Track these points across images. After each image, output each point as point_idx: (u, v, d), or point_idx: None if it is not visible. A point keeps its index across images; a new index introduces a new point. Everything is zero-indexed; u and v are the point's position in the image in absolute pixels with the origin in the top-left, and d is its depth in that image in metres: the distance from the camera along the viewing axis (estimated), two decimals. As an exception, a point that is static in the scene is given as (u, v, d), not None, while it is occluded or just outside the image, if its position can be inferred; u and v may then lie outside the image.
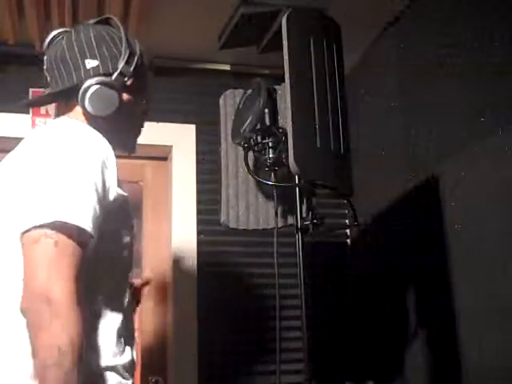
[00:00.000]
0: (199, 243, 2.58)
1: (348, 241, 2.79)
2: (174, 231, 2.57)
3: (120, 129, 1.42)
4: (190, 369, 2.45)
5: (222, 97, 2.70)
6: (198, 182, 2.65)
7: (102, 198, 1.21)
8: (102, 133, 1.32)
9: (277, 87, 2.14)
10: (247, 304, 2.57)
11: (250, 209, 2.62)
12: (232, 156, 2.65)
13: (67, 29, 1.51)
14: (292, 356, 2.27)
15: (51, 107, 2.61)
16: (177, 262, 2.53)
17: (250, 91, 2.07)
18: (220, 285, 2.56)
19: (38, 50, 2.52)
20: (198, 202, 2.64)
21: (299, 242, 1.80)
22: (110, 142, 1.31)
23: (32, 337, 1.09)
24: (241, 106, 2.14)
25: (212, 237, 2.61)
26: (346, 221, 2.79)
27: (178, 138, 2.65)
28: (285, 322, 2.30)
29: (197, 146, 2.69)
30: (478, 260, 1.90)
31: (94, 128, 1.34)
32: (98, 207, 1.18)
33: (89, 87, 1.35)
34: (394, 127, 2.43)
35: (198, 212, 2.62)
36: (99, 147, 1.26)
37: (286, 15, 1.68)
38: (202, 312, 2.50)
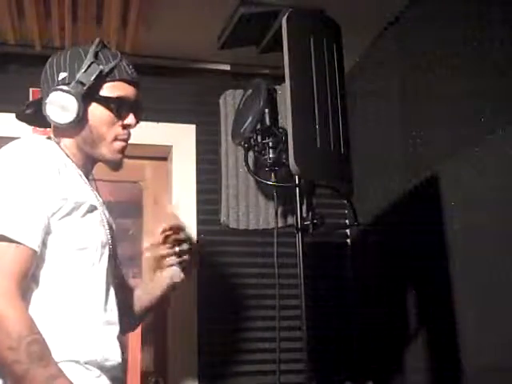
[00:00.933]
0: (199, 243, 2.58)
1: (348, 241, 2.79)
2: (174, 231, 2.57)
3: (92, 142, 1.47)
4: (190, 369, 2.44)
5: (222, 97, 2.71)
6: (198, 182, 2.65)
7: (56, 209, 1.30)
8: (72, 148, 1.45)
9: (277, 87, 2.14)
10: (247, 304, 2.57)
11: (249, 209, 2.63)
12: (232, 156, 2.65)
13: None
14: (292, 356, 2.27)
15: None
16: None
17: (249, 91, 2.07)
18: (220, 285, 2.55)
19: (38, 49, 2.52)
20: (198, 202, 2.64)
21: (299, 241, 1.80)
22: (86, 157, 1.46)
23: None
24: (241, 106, 2.14)
25: (212, 237, 2.61)
26: (346, 221, 2.79)
27: (178, 138, 2.65)
28: (285, 321, 2.31)
29: (197, 145, 2.69)
30: (478, 260, 1.90)
31: (65, 143, 1.46)
32: (45, 220, 1.28)
33: (49, 93, 1.44)
34: (393, 127, 2.43)
35: (198, 212, 2.62)
36: (52, 159, 1.34)
37: (286, 15, 1.68)
38: (202, 312, 2.50)
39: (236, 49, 2.53)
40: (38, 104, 1.50)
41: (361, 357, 2.58)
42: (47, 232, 1.30)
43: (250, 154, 2.18)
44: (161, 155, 2.72)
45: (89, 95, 1.43)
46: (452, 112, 2.05)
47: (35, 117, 1.56)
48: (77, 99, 1.41)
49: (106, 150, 1.48)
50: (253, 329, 2.54)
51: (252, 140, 2.00)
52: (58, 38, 2.44)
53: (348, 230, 2.80)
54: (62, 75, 1.45)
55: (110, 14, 2.25)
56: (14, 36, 2.43)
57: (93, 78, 1.43)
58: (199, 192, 2.65)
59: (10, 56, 2.55)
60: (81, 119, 1.43)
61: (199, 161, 2.68)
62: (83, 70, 1.43)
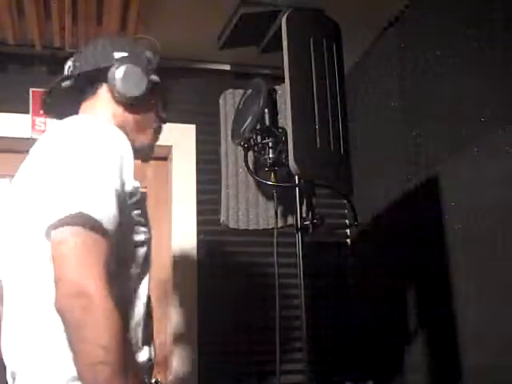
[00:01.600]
0: (199, 243, 2.58)
1: (348, 241, 2.79)
2: (174, 231, 2.57)
3: (140, 128, 1.43)
4: (190, 369, 2.45)
5: (222, 97, 2.71)
6: (198, 182, 2.65)
7: (121, 194, 1.20)
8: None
9: (277, 87, 2.14)
10: (247, 304, 2.57)
11: (249, 209, 2.63)
12: (232, 156, 2.66)
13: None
14: (292, 356, 2.27)
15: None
16: (177, 262, 2.52)
17: (249, 91, 2.07)
18: (220, 285, 2.55)
19: (38, 49, 2.52)
20: (198, 202, 2.64)
21: (299, 242, 1.80)
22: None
23: (71, 336, 1.05)
24: (241, 106, 2.14)
25: (212, 237, 2.61)
26: (346, 221, 2.79)
27: (177, 138, 2.65)
28: (285, 321, 2.30)
29: (197, 145, 2.69)
30: (478, 260, 1.90)
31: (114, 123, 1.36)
32: (115, 204, 1.16)
33: (120, 65, 1.38)
34: (394, 127, 2.43)
35: (198, 212, 2.62)
36: (117, 143, 1.25)
37: (285, 15, 1.68)
38: (202, 312, 2.50)
39: (236, 49, 2.54)
40: (77, 80, 1.43)
41: (361, 357, 2.58)
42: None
43: (250, 154, 2.18)
44: (161, 155, 2.72)
45: (150, 77, 1.42)
46: (452, 112, 2.05)
47: (64, 99, 1.49)
48: (146, 76, 1.40)
49: (150, 138, 1.47)
50: (253, 329, 2.54)
51: (252, 140, 2.00)
52: (58, 38, 2.44)
53: (348, 230, 2.80)
54: (122, 54, 1.41)
55: (110, 14, 2.25)
56: (13, 36, 2.43)
57: (156, 62, 1.44)
58: (199, 192, 2.65)
59: (10, 56, 2.55)
60: (144, 97, 1.40)
61: (199, 161, 2.68)
62: (150, 52, 1.44)
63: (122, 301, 1.17)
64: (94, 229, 1.10)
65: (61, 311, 1.06)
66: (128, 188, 1.23)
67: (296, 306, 1.80)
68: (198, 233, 2.58)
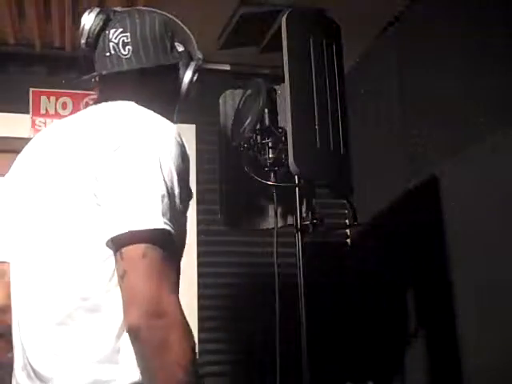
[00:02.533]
0: (199, 243, 2.58)
1: (348, 241, 2.79)
2: (174, 231, 2.57)
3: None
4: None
5: (222, 97, 2.70)
6: (197, 182, 2.65)
7: (182, 195, 1.11)
8: None
9: (277, 87, 2.14)
10: (247, 304, 2.57)
11: (249, 209, 2.63)
12: (232, 156, 2.65)
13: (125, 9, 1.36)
14: (292, 356, 2.26)
15: (50, 105, 2.62)
16: (177, 262, 2.52)
17: (249, 91, 2.07)
18: (220, 285, 2.55)
19: (38, 49, 2.52)
20: (198, 202, 2.63)
21: (299, 242, 1.80)
22: None
23: (148, 357, 1.00)
24: (240, 106, 2.14)
25: (212, 237, 2.61)
26: (346, 221, 2.79)
27: (177, 138, 2.65)
28: (285, 321, 2.30)
29: (197, 145, 2.69)
30: (477, 260, 1.90)
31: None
32: (180, 210, 1.10)
33: (193, 72, 1.34)
34: (393, 127, 2.42)
35: (198, 212, 2.62)
36: (176, 137, 1.14)
37: (285, 15, 1.68)
38: (201, 312, 2.50)
39: (236, 49, 2.54)
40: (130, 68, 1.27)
41: (361, 357, 2.58)
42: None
43: (250, 154, 2.17)
44: (161, 155, 2.72)
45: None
46: (452, 112, 2.05)
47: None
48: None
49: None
50: (252, 329, 2.54)
51: (252, 140, 1.99)
52: (58, 38, 2.44)
53: (348, 230, 2.80)
54: (180, 48, 1.35)
55: (109, 14, 2.25)
56: (14, 36, 2.43)
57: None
58: (199, 192, 2.65)
59: (10, 56, 2.55)
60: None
61: (199, 161, 2.68)
62: (199, 52, 1.39)
63: None
64: (169, 245, 1.05)
65: (138, 331, 0.99)
66: (186, 194, 1.15)
67: (296, 305, 1.80)
68: (198, 233, 2.58)
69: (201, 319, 2.50)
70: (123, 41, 1.26)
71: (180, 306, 1.02)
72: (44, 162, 1.21)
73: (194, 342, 1.03)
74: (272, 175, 1.99)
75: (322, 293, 2.57)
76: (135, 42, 1.27)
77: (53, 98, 2.60)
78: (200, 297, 2.52)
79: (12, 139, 2.53)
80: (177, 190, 1.08)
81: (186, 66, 1.34)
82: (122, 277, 1.02)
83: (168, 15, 1.38)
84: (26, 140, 2.64)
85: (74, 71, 2.55)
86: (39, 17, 2.28)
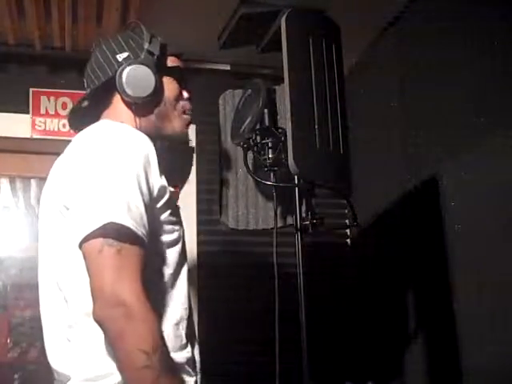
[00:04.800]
0: (199, 243, 2.58)
1: (348, 241, 2.79)
2: (174, 231, 2.57)
3: (166, 117, 1.42)
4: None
5: (222, 97, 2.71)
6: (198, 182, 2.65)
7: (148, 198, 1.20)
8: (145, 130, 1.33)
9: (276, 87, 2.14)
10: (247, 304, 2.57)
11: (249, 209, 2.63)
12: (232, 156, 2.66)
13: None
14: (292, 356, 2.26)
15: (50, 105, 2.62)
16: (177, 262, 2.52)
17: (249, 91, 2.07)
18: (220, 285, 2.55)
19: (38, 49, 2.52)
20: (198, 202, 2.64)
21: (299, 242, 1.80)
22: (154, 140, 1.31)
23: (114, 345, 1.09)
24: (240, 107, 2.14)
25: (212, 237, 2.61)
26: (346, 221, 2.79)
27: (178, 138, 2.65)
28: (284, 321, 2.30)
29: (197, 145, 2.69)
30: (477, 260, 1.90)
31: (140, 126, 1.36)
32: (143, 208, 1.17)
33: (123, 70, 1.37)
34: (393, 127, 2.42)
35: (198, 212, 2.62)
36: (140, 144, 1.24)
37: (285, 15, 1.68)
38: (201, 312, 2.50)
39: (236, 49, 2.54)
40: (93, 96, 1.43)
41: (361, 357, 2.58)
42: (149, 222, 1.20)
43: (250, 154, 2.18)
44: (161, 155, 2.72)
45: (158, 66, 1.40)
46: (452, 112, 2.05)
47: (84, 115, 1.45)
48: (152, 70, 1.38)
49: (178, 124, 1.45)
50: (252, 329, 2.54)
51: (251, 140, 2.00)
52: (58, 38, 2.44)
53: (348, 230, 2.80)
54: (123, 55, 1.40)
55: (109, 14, 2.25)
56: (14, 36, 2.43)
57: (158, 48, 1.41)
58: (199, 192, 2.65)
59: (10, 56, 2.55)
60: (157, 91, 1.38)
61: (199, 161, 2.68)
62: (148, 43, 1.40)
63: (157, 303, 1.20)
64: (126, 237, 1.12)
65: (101, 321, 1.09)
66: (156, 188, 1.23)
67: (296, 306, 1.80)
68: (198, 233, 2.58)
69: (201, 319, 2.50)
70: (85, 78, 1.46)
71: (140, 294, 1.09)
72: (48, 186, 1.34)
73: (156, 327, 1.10)
74: (272, 175, 1.99)
75: (321, 293, 2.57)
76: (87, 75, 1.45)
77: (53, 98, 2.60)
78: (200, 297, 2.52)
79: (12, 139, 2.53)
80: (135, 195, 1.17)
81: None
82: (88, 274, 1.12)
83: (118, 34, 1.49)
84: (26, 140, 2.66)
85: (74, 71, 2.56)
86: (39, 17, 2.28)
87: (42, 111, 2.58)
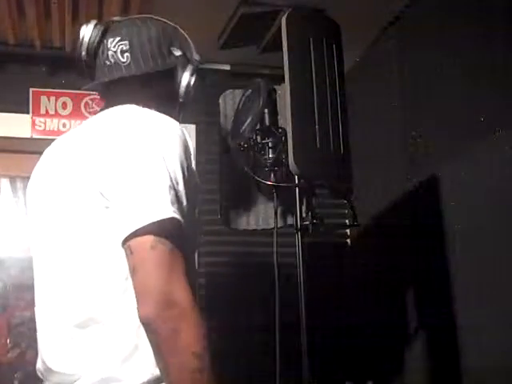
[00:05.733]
0: (199, 243, 2.58)
1: (348, 241, 2.79)
2: (174, 231, 2.57)
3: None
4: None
5: (222, 97, 2.70)
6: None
7: (188, 187, 1.14)
8: None
9: (277, 87, 2.14)
10: (247, 304, 2.57)
11: (249, 209, 2.63)
12: (232, 156, 2.65)
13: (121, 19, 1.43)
14: (292, 356, 2.26)
15: (50, 105, 2.62)
16: (177, 262, 2.52)
17: (249, 91, 2.06)
18: (220, 285, 2.55)
19: (38, 49, 2.52)
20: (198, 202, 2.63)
21: (299, 242, 1.80)
22: None
23: (163, 347, 1.03)
24: (240, 107, 2.13)
25: (212, 237, 2.61)
26: (346, 221, 2.79)
27: (178, 138, 2.65)
28: (285, 321, 2.30)
29: (197, 145, 2.69)
30: (477, 260, 1.90)
31: None
32: (186, 203, 1.12)
33: (192, 74, 1.36)
34: (393, 127, 2.42)
35: (198, 212, 2.62)
36: (178, 132, 1.17)
37: (285, 15, 1.68)
38: (201, 312, 2.50)
39: (236, 49, 2.54)
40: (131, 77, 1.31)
41: (361, 357, 2.58)
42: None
43: (250, 154, 2.17)
44: (161, 155, 2.72)
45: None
46: (452, 112, 2.05)
47: (109, 89, 1.34)
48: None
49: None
50: (252, 329, 2.54)
51: (252, 140, 1.99)
52: (58, 38, 2.44)
53: (348, 230, 2.80)
54: (178, 52, 1.37)
55: (109, 13, 2.25)
56: (14, 36, 2.43)
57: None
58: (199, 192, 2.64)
59: (10, 56, 2.55)
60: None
61: (199, 161, 2.68)
62: (194, 53, 1.40)
63: None
64: (178, 234, 1.07)
65: (150, 321, 1.03)
66: (194, 176, 1.20)
67: (296, 306, 1.80)
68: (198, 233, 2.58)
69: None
70: (122, 49, 1.32)
71: (190, 294, 1.05)
72: (57, 175, 1.24)
73: (204, 329, 1.07)
74: (272, 175, 1.99)
75: (321, 293, 2.57)
76: (133, 49, 1.32)
77: (53, 98, 2.61)
78: (200, 297, 2.51)
79: (12, 139, 2.53)
80: (181, 184, 1.11)
81: (184, 69, 1.37)
82: (132, 271, 1.05)
83: (167, 22, 1.44)
84: (26, 140, 2.66)
85: (74, 71, 2.56)
86: (39, 17, 2.28)
87: (42, 111, 2.59)
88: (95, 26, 1.36)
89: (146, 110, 1.21)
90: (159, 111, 1.23)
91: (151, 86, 1.34)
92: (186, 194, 1.13)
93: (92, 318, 1.13)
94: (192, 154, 1.21)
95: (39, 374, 1.24)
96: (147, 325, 1.03)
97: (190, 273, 1.12)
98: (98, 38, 1.35)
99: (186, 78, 1.36)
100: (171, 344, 1.03)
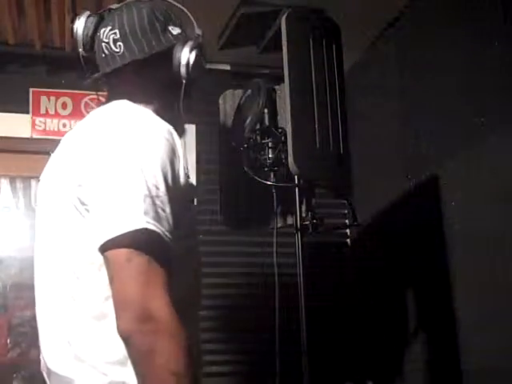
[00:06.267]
0: (199, 243, 2.58)
1: (348, 241, 2.79)
2: (174, 231, 2.57)
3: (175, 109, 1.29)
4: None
5: (222, 97, 2.70)
6: (198, 182, 2.65)
7: (174, 195, 1.08)
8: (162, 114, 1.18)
9: (276, 87, 2.14)
10: (247, 304, 2.57)
11: (249, 209, 2.63)
12: (232, 156, 2.65)
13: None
14: (291, 356, 2.26)
15: (50, 105, 2.62)
16: (177, 262, 2.52)
17: (249, 91, 2.06)
18: (220, 285, 2.55)
19: (38, 49, 2.52)
20: (198, 202, 2.63)
21: (299, 242, 1.80)
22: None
23: (139, 361, 0.98)
24: (240, 106, 2.13)
25: (212, 237, 2.61)
26: (346, 221, 2.79)
27: (177, 138, 2.65)
28: (284, 322, 2.30)
29: (197, 145, 2.69)
30: (477, 260, 1.90)
31: (153, 107, 1.21)
32: (169, 209, 1.05)
33: (191, 50, 1.26)
34: (393, 127, 2.42)
35: (198, 212, 2.62)
36: (165, 135, 1.10)
37: (285, 15, 1.68)
38: (201, 312, 2.50)
39: (236, 49, 2.54)
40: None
41: (361, 357, 2.58)
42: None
43: (250, 154, 2.17)
44: (161, 155, 2.72)
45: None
46: (452, 112, 2.05)
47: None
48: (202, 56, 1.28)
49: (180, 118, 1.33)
50: (252, 329, 2.54)
51: (251, 140, 1.99)
52: (58, 38, 2.44)
53: (348, 230, 2.79)
54: (176, 30, 1.29)
55: (109, 14, 2.25)
56: (14, 36, 2.43)
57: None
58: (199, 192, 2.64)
59: (10, 56, 2.55)
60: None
61: (199, 161, 2.68)
62: (199, 29, 1.32)
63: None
64: (156, 245, 1.01)
65: (126, 336, 0.98)
66: (181, 182, 1.12)
67: (296, 306, 1.79)
68: (198, 233, 2.58)
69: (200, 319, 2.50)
70: (113, 38, 1.25)
71: (170, 308, 0.99)
72: (51, 173, 1.22)
73: (186, 345, 0.99)
74: (272, 175, 1.99)
75: (322, 293, 2.57)
76: (124, 36, 1.24)
77: (53, 98, 2.61)
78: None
79: (12, 139, 2.53)
80: (163, 189, 1.05)
81: (183, 46, 1.27)
82: (110, 282, 1.02)
83: (164, 0, 1.34)
84: (26, 140, 2.66)
85: (74, 71, 2.56)
86: (39, 17, 2.28)
87: (42, 111, 2.59)
88: (88, 17, 1.30)
89: (136, 109, 1.15)
90: (160, 100, 1.20)
91: (149, 72, 1.26)
92: (172, 198, 1.06)
93: (81, 324, 1.10)
94: (181, 156, 1.13)
95: (44, 374, 1.22)
96: (124, 338, 0.99)
97: (182, 275, 1.09)
98: (91, 31, 1.29)
99: (186, 55, 1.25)
100: (149, 361, 0.97)
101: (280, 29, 1.68)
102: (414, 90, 2.30)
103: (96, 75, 1.29)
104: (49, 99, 2.60)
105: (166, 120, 1.15)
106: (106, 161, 1.06)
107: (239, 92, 2.22)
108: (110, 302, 1.05)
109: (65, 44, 2.48)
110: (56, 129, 2.58)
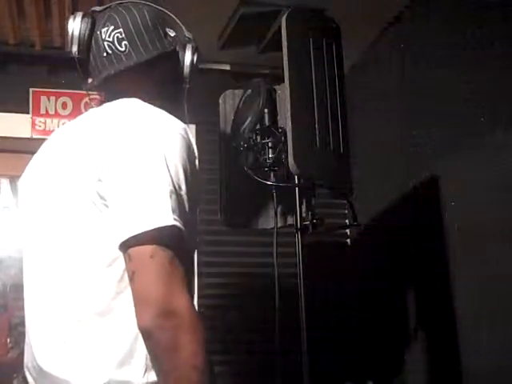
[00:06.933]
0: (199, 243, 2.58)
1: (348, 241, 2.79)
2: (174, 231, 2.57)
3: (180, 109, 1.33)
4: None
5: (222, 97, 2.70)
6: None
7: (191, 190, 1.10)
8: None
9: (276, 87, 2.14)
10: (247, 304, 2.57)
11: (249, 209, 2.63)
12: (232, 156, 2.65)
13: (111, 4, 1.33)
14: (291, 356, 2.26)
15: (50, 105, 2.62)
16: (177, 262, 2.52)
17: (249, 91, 2.06)
18: (220, 285, 2.55)
19: (38, 49, 2.52)
20: (198, 202, 2.63)
21: (299, 241, 1.80)
22: None
23: (162, 356, 1.00)
24: (240, 106, 2.13)
25: (212, 237, 2.61)
26: (346, 221, 2.79)
27: (178, 138, 2.65)
28: (284, 322, 2.30)
29: (197, 145, 2.68)
30: (477, 260, 1.90)
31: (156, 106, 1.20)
32: (188, 207, 1.08)
33: (194, 53, 1.31)
34: (393, 127, 2.42)
35: (198, 212, 2.62)
36: (181, 132, 1.12)
37: (285, 15, 1.68)
38: (201, 312, 2.50)
39: (236, 49, 2.54)
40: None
41: (361, 357, 2.58)
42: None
43: (250, 154, 2.17)
44: (161, 155, 2.72)
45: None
46: (452, 112, 2.05)
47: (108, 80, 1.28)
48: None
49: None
50: (252, 329, 2.54)
51: (251, 140, 1.99)
52: (58, 38, 2.44)
53: (348, 230, 2.80)
54: (172, 32, 1.32)
55: (109, 13, 2.25)
56: (14, 36, 2.43)
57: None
58: (199, 192, 2.64)
59: (10, 56, 2.55)
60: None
61: (199, 161, 2.67)
62: (185, 32, 1.35)
63: None
64: (179, 242, 1.03)
65: (149, 331, 0.99)
66: (197, 180, 1.15)
67: (295, 306, 1.79)
68: (198, 233, 2.58)
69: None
70: (118, 37, 1.25)
71: (191, 305, 1.01)
72: (51, 167, 1.20)
73: (205, 341, 1.01)
74: (272, 175, 1.99)
75: (322, 293, 2.57)
76: (130, 35, 1.25)
77: (53, 98, 2.61)
78: (200, 297, 2.51)
79: (12, 139, 2.53)
80: (184, 187, 1.07)
81: (184, 49, 1.32)
82: (131, 278, 1.02)
83: (152, 4, 1.34)
84: (26, 140, 2.66)
85: (74, 71, 2.56)
86: (39, 16, 2.28)
87: (42, 111, 2.59)
88: (83, 17, 1.31)
89: (148, 106, 1.15)
90: (165, 100, 1.21)
91: (154, 72, 1.28)
92: (189, 196, 1.08)
93: (81, 320, 1.09)
94: (196, 154, 1.17)
95: (27, 373, 1.21)
96: (145, 334, 1.00)
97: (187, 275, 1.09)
98: (88, 31, 1.30)
99: (189, 57, 1.30)
100: (171, 355, 0.99)
101: (280, 29, 1.68)
102: (414, 89, 2.30)
103: (101, 76, 1.28)
104: (49, 99, 2.60)
105: None
106: (129, 156, 1.05)
107: (239, 92, 2.22)
108: (120, 297, 1.06)
109: (65, 44, 2.47)
110: (56, 129, 2.58)
